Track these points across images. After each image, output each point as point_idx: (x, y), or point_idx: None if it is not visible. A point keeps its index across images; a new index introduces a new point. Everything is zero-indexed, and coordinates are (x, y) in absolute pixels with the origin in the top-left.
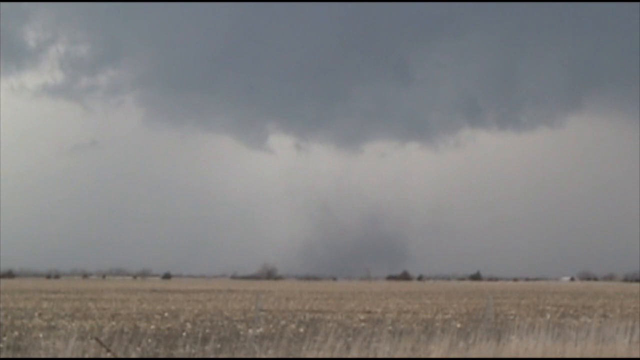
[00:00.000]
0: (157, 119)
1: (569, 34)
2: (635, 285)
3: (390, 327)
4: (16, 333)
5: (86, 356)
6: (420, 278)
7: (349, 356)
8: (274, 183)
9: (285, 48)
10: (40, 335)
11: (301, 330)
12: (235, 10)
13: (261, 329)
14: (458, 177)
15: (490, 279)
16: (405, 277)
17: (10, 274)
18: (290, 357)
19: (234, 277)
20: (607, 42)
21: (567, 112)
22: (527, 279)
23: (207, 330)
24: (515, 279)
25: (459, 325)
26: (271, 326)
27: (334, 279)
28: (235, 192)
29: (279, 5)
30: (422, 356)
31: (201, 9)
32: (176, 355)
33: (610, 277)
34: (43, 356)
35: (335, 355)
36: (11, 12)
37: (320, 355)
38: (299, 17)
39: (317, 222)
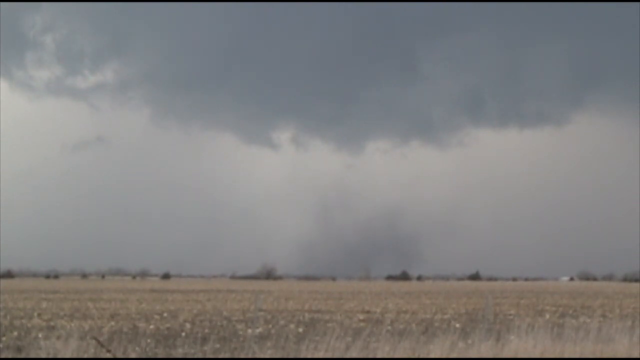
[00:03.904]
0: (163, 117)
1: (572, 33)
2: (634, 285)
3: (389, 327)
4: (15, 333)
5: (86, 356)
6: (419, 278)
7: (349, 356)
8: (274, 183)
9: (292, 47)
10: (40, 335)
11: (300, 330)
12: (242, 9)
13: (260, 329)
14: (459, 176)
15: (490, 279)
16: (404, 277)
17: (9, 274)
18: (290, 357)
19: (233, 277)
20: (610, 42)
21: (570, 110)
22: (526, 279)
23: (207, 330)
24: (514, 279)
25: (458, 325)
26: (270, 326)
27: (333, 279)
28: (235, 192)
29: (281, 5)
30: (422, 356)
31: (209, 8)
32: (175, 355)
33: (609, 277)
34: (43, 356)
35: (334, 356)
36: (12, 7)
37: (320, 356)
38: (305, 16)
39: (316, 222)
